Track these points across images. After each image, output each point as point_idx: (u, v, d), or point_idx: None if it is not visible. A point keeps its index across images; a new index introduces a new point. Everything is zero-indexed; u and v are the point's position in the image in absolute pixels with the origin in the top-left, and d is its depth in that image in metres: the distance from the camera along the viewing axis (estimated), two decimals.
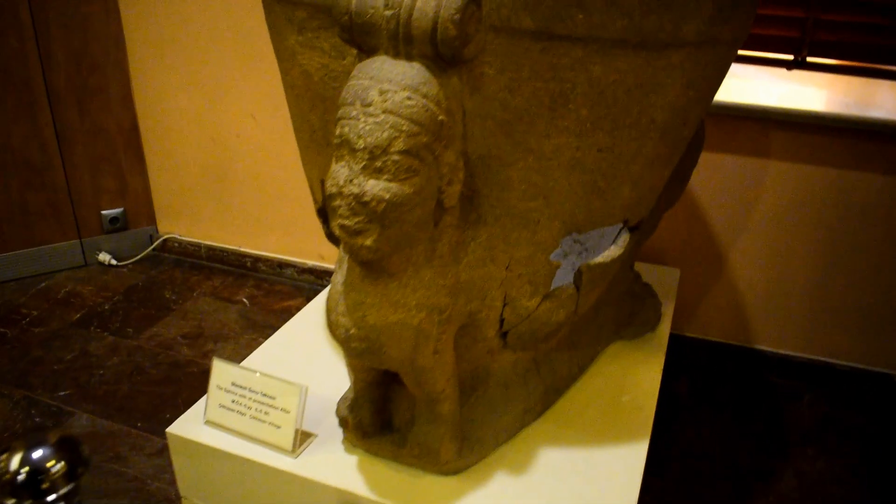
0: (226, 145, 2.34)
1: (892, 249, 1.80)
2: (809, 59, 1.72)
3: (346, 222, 0.82)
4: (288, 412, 1.21)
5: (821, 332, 1.95)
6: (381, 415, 1.18)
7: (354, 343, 0.94)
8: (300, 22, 0.96)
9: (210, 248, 2.53)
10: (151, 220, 2.59)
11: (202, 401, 1.31)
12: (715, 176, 1.87)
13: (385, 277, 0.90)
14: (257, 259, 2.46)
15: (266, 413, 1.23)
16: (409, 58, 0.82)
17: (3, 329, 2.17)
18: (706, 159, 1.84)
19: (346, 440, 1.23)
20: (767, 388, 1.98)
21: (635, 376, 1.42)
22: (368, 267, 0.89)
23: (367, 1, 0.81)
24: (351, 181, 0.81)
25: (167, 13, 2.22)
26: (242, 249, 2.48)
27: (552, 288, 1.12)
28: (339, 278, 0.97)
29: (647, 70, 0.91)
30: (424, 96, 0.80)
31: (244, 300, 2.34)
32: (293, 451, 1.20)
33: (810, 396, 1.95)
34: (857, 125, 1.70)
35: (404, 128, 0.79)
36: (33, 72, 2.23)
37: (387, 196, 0.80)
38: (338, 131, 0.82)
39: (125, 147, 2.46)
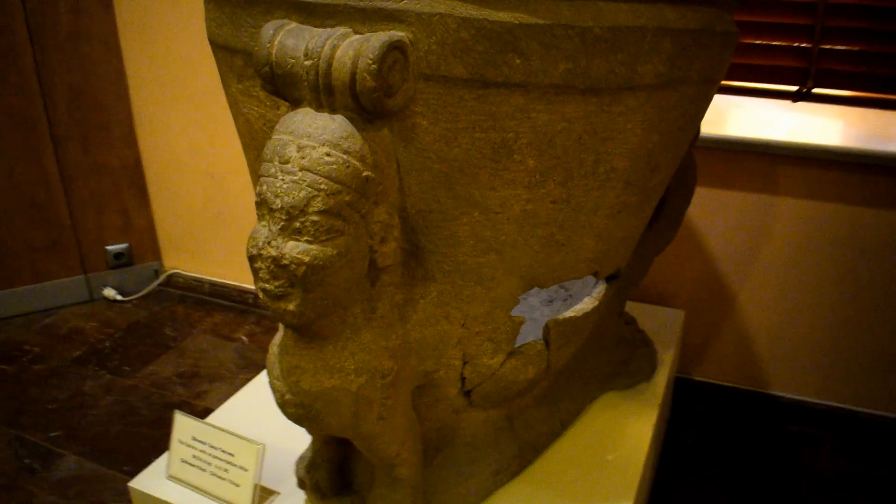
0: (225, 181, 2.32)
1: None
2: (815, 90, 1.62)
3: (267, 286, 0.77)
4: (246, 470, 1.16)
5: (840, 376, 1.82)
6: (339, 476, 1.12)
7: (290, 409, 0.89)
8: (238, 70, 0.92)
9: (213, 284, 2.51)
10: (157, 255, 2.59)
11: (167, 454, 1.27)
12: (720, 213, 1.77)
13: (319, 340, 0.84)
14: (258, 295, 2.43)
15: (226, 470, 1.18)
16: (333, 110, 0.76)
17: (4, 366, 2.16)
18: (710, 196, 1.75)
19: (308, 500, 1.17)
20: (782, 436, 1.85)
21: (624, 432, 1.33)
22: (299, 330, 0.83)
23: (288, 51, 0.76)
24: (269, 243, 0.75)
25: (168, 51, 2.23)
26: (244, 285, 2.45)
27: (518, 345, 1.05)
28: (277, 338, 0.92)
29: (600, 116, 0.84)
30: (346, 152, 0.74)
31: (243, 338, 2.31)
32: None
33: (830, 446, 1.82)
34: (870, 160, 1.59)
35: (323, 186, 0.73)
36: (36, 110, 2.25)
37: (306, 259, 0.74)
38: (257, 189, 0.77)
39: (129, 183, 2.46)
